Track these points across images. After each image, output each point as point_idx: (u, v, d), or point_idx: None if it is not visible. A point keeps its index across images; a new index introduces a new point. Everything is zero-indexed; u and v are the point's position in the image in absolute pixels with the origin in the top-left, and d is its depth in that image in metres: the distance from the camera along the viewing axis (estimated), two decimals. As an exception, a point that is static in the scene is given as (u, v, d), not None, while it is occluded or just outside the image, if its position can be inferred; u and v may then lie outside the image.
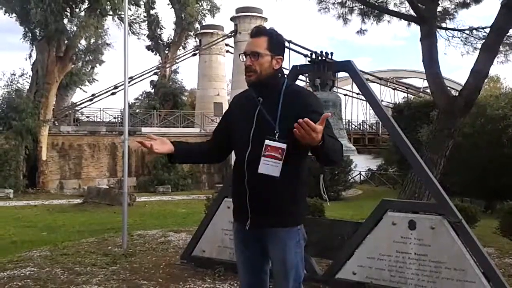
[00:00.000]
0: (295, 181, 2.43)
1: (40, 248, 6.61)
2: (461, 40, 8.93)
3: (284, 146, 2.32)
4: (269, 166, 2.33)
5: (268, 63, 2.45)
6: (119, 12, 22.05)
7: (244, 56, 2.48)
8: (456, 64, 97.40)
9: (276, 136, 2.33)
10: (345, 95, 33.89)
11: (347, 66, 4.57)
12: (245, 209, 2.47)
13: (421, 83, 40.46)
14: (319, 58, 4.51)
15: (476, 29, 8.81)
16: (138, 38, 32.82)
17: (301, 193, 2.50)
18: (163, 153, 2.48)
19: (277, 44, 2.50)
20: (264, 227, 2.47)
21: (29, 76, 23.96)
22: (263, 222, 2.45)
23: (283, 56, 2.53)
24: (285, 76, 2.62)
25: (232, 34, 35.53)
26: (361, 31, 10.39)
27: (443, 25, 9.05)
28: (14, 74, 23.73)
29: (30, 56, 23.90)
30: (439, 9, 8.79)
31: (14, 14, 21.87)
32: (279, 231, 2.45)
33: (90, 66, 28.53)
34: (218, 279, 4.81)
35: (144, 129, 27.25)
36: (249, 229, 2.49)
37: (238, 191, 2.51)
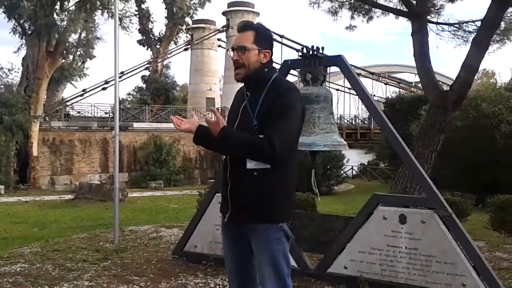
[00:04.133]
0: (275, 178, 2.40)
1: (31, 244, 6.58)
2: (453, 34, 8.96)
3: None
4: (253, 161, 2.39)
5: (255, 57, 2.46)
6: (110, 6, 21.83)
7: (231, 52, 2.48)
8: (447, 58, 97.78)
9: (255, 130, 2.36)
10: (337, 90, 33.97)
11: (337, 60, 4.57)
12: (226, 202, 2.49)
13: (412, 77, 40.57)
14: (310, 52, 4.50)
15: (467, 22, 8.84)
16: (125, 33, 32.49)
17: (284, 191, 2.46)
18: (186, 131, 2.46)
19: (264, 37, 2.50)
20: (242, 221, 2.47)
21: (19, 70, 23.79)
22: (240, 215, 2.45)
23: (271, 50, 2.53)
24: (276, 70, 2.61)
25: (224, 28, 35.47)
26: (350, 27, 10.41)
27: (434, 19, 9.07)
28: (9, 69, 23.70)
29: (19, 50, 23.74)
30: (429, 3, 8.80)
31: (2, 8, 21.59)
32: (258, 226, 2.44)
33: (81, 61, 28.30)
34: (210, 274, 4.80)
35: (135, 124, 27.16)
36: (229, 222, 2.50)
37: (222, 183, 2.54)
